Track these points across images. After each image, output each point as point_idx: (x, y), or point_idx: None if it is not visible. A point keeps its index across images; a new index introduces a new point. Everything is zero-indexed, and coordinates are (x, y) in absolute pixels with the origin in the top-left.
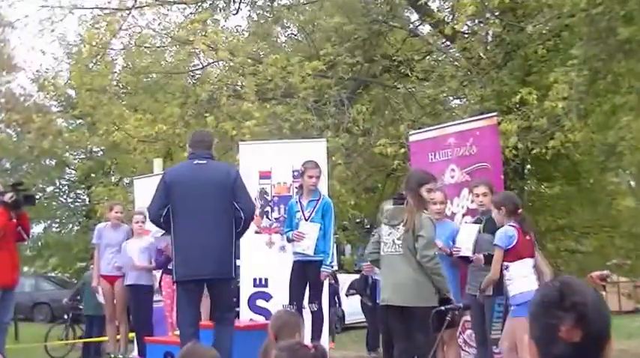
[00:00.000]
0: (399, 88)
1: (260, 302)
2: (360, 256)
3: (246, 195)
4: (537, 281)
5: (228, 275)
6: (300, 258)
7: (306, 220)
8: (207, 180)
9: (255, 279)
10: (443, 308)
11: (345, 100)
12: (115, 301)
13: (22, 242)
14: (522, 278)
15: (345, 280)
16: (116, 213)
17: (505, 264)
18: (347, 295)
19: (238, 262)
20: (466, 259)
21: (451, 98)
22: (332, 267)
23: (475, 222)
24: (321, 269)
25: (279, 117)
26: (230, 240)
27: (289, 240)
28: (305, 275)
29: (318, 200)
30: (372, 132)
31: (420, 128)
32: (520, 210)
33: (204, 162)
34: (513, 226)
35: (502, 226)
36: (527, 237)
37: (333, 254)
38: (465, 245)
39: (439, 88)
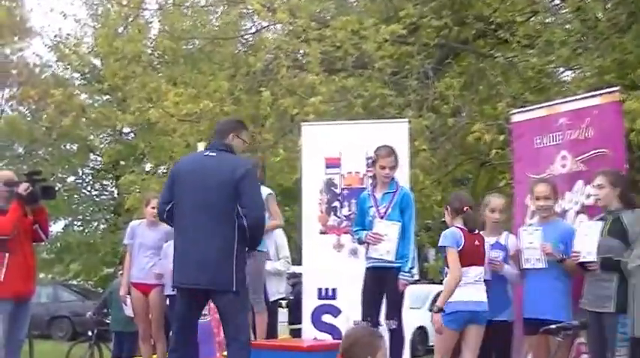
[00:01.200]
0: (496, 57)
1: (326, 318)
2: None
3: (253, 199)
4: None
5: (224, 286)
6: (375, 263)
7: (382, 218)
8: (209, 176)
9: (320, 290)
10: (553, 326)
11: (431, 72)
12: (150, 315)
13: (39, 243)
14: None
15: (429, 291)
16: (153, 208)
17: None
18: (431, 310)
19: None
20: (582, 265)
21: (561, 69)
22: (412, 275)
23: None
24: (400, 277)
25: (349, 92)
26: (229, 248)
27: (361, 242)
28: (381, 284)
29: (394, 192)
30: (464, 112)
31: (523, 106)
32: (466, 209)
33: (214, 154)
34: (459, 228)
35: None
36: (477, 242)
37: (414, 258)
38: (585, 248)
39: (546, 56)
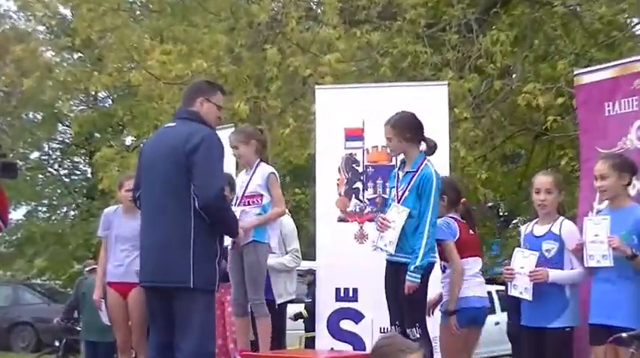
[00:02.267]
0: (555, 6)
1: (346, 324)
2: (493, 259)
3: (205, 173)
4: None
5: (179, 283)
6: (389, 256)
7: (399, 202)
8: (162, 152)
9: (338, 291)
10: (624, 334)
11: (474, 24)
12: (130, 321)
13: None
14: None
15: None
16: (128, 191)
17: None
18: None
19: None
20: None
21: (635, 20)
22: (420, 275)
23: None
24: (406, 277)
25: (374, 49)
26: (184, 236)
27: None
28: (397, 282)
29: (414, 172)
30: (515, 72)
31: (588, 65)
32: (463, 200)
33: (174, 124)
34: (454, 218)
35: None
36: (471, 232)
37: (426, 255)
38: None
39: (616, 5)
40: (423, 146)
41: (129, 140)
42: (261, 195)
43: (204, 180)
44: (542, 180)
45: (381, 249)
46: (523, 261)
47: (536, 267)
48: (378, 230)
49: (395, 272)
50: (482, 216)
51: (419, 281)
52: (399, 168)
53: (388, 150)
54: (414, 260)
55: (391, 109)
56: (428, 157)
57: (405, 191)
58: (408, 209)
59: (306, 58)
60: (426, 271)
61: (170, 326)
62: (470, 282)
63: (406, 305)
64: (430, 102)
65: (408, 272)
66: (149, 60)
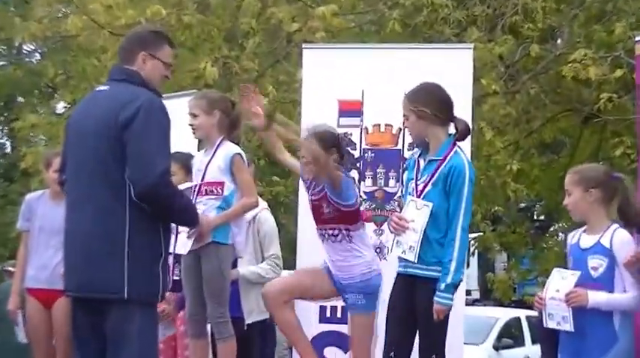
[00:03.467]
0: None
1: (331, 353)
2: (523, 275)
3: (141, 151)
4: None
5: (108, 293)
6: (402, 268)
7: (419, 196)
8: (89, 123)
9: (322, 309)
10: None
11: None
12: (54, 337)
13: None
14: None
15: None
16: (57, 172)
17: None
18: (497, 347)
19: None
20: None
21: None
22: (451, 295)
23: None
24: (435, 298)
25: None
26: (116, 233)
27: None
28: (411, 301)
29: (441, 160)
30: (561, 36)
31: None
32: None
33: (106, 87)
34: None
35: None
36: None
37: (459, 268)
38: None
39: None
40: (451, 128)
41: (61, 107)
42: (222, 183)
43: (139, 160)
44: (566, 178)
45: (398, 257)
46: (560, 284)
47: (576, 287)
48: (392, 232)
49: (410, 288)
50: (512, 219)
51: (452, 303)
52: (420, 154)
53: (406, 131)
54: (445, 276)
55: (399, 78)
56: (458, 143)
57: (427, 183)
58: (430, 204)
59: (293, 9)
60: (455, 290)
61: (100, 348)
62: None
63: (425, 330)
64: (450, 70)
65: (438, 292)
66: (91, 3)
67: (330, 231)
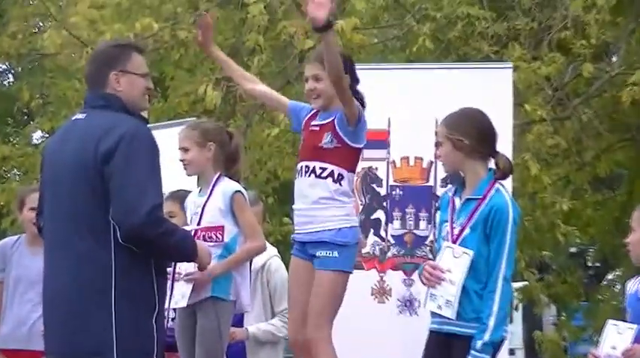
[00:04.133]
0: None
1: None
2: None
3: (126, 188)
4: None
5: (96, 355)
6: (436, 323)
7: (455, 241)
8: (65, 158)
9: None
10: None
11: None
12: None
13: None
14: None
15: None
16: (33, 209)
17: None
18: None
19: None
20: None
21: None
22: (491, 353)
23: None
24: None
25: (407, 10)
26: (101, 285)
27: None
28: None
29: (480, 200)
30: (617, 54)
31: None
32: None
33: (83, 116)
34: None
35: None
36: None
37: (501, 324)
38: None
39: None
40: (491, 163)
41: (38, 136)
42: (222, 227)
43: (124, 197)
44: (634, 214)
45: (432, 312)
46: (616, 339)
47: (633, 344)
48: (425, 283)
49: (445, 349)
50: (562, 267)
51: None
52: (455, 192)
53: (440, 163)
54: (483, 333)
55: (430, 103)
56: (500, 181)
57: (464, 227)
58: (470, 252)
59: (307, 23)
60: (496, 350)
61: None
62: None
63: None
64: (487, 93)
65: (474, 352)
66: (72, 16)
67: (320, 167)
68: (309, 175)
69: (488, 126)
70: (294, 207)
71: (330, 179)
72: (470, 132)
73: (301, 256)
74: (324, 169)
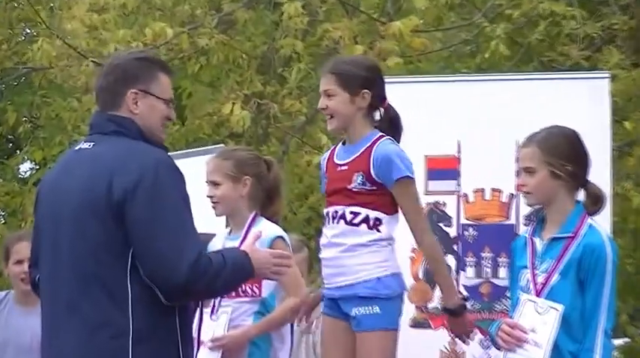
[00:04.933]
0: None
1: None
2: None
3: (159, 241)
4: None
5: None
6: None
7: (538, 293)
8: (67, 199)
9: None
10: None
11: None
12: None
13: None
14: None
15: None
16: (20, 262)
17: None
18: None
19: None
20: None
21: None
22: None
23: None
24: None
25: (474, 4)
26: (110, 354)
27: (497, 346)
28: None
29: (570, 238)
30: None
31: None
32: None
33: (89, 146)
34: None
35: None
36: None
37: None
38: None
39: None
40: (580, 194)
41: (26, 168)
42: (259, 280)
43: (158, 255)
44: None
45: None
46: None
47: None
48: (501, 347)
49: None
50: None
51: None
52: (534, 230)
53: (522, 195)
54: None
55: (508, 121)
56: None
57: (551, 273)
58: (559, 306)
59: (355, 24)
60: None
61: None
62: None
63: None
64: (579, 108)
65: None
66: (68, 21)
67: (351, 212)
68: (338, 222)
69: (585, 149)
70: (321, 256)
71: (364, 226)
72: (570, 156)
73: (334, 315)
74: (356, 214)
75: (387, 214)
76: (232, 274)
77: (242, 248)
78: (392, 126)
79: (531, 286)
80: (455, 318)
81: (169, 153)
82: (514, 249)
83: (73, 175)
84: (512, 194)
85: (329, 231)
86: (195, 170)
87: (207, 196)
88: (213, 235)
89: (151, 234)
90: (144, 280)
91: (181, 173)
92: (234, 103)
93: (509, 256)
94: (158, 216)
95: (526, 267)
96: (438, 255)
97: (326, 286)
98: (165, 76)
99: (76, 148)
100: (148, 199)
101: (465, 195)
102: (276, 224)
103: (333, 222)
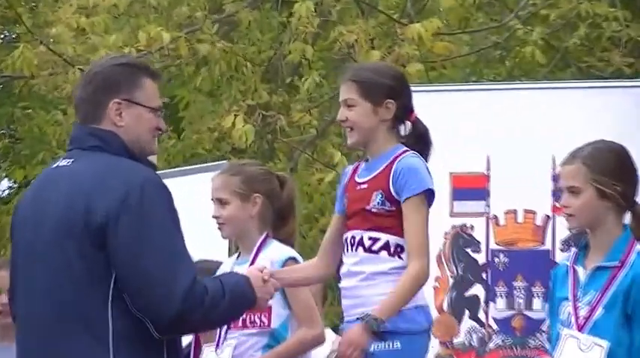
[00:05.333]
0: None
1: None
2: None
3: (147, 271)
4: None
5: None
6: None
7: (580, 328)
8: (42, 222)
9: None
10: None
11: None
12: None
13: None
14: None
15: None
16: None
17: None
18: None
19: None
20: None
21: None
22: None
23: None
24: None
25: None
26: None
27: None
28: None
29: (617, 268)
30: None
31: None
32: None
33: (67, 162)
34: None
35: None
36: None
37: None
38: None
39: None
40: (627, 217)
41: (4, 187)
42: (269, 309)
43: (149, 285)
44: None
45: None
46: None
47: None
48: None
49: None
50: None
51: None
52: (576, 258)
53: (565, 217)
54: None
55: (544, 135)
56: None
57: (595, 306)
58: (605, 343)
59: (371, 27)
60: None
61: None
62: None
63: None
64: (622, 120)
65: None
66: (54, 25)
67: (370, 238)
68: (356, 249)
69: (635, 167)
70: (340, 285)
71: (384, 253)
72: (620, 174)
73: None
74: (375, 240)
75: None
76: (231, 304)
77: (245, 272)
78: (420, 142)
79: (573, 320)
80: (360, 336)
81: (165, 170)
82: (554, 278)
83: (49, 196)
84: (548, 216)
85: (348, 259)
86: (194, 189)
87: (213, 216)
88: (220, 263)
89: (138, 259)
90: (127, 312)
91: (169, 191)
92: (236, 115)
93: (545, 285)
94: (146, 239)
95: (567, 299)
96: (408, 289)
97: (345, 319)
98: (151, 81)
99: (54, 165)
100: (133, 221)
101: (495, 218)
102: (291, 246)
103: (351, 250)
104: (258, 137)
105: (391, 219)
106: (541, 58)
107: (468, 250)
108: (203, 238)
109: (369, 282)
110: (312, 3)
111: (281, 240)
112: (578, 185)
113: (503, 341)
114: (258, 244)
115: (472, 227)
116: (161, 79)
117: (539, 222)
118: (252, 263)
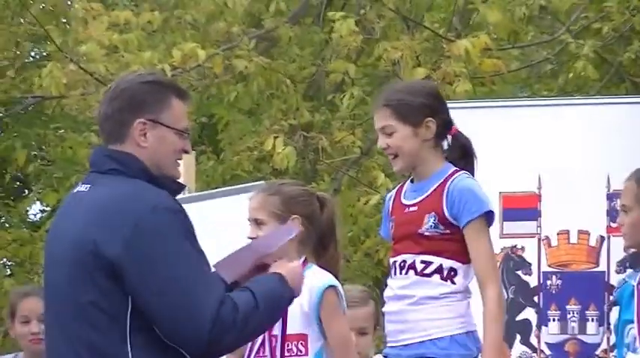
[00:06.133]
0: None
1: None
2: None
3: (168, 302)
4: None
5: None
6: None
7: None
8: (61, 250)
9: None
10: None
11: None
12: None
13: None
14: None
15: None
16: (27, 322)
17: None
18: None
19: None
20: None
21: None
22: None
23: None
24: None
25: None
26: None
27: None
28: None
29: None
30: None
31: None
32: None
33: (85, 188)
34: None
35: None
36: None
37: None
38: None
39: None
40: None
41: (36, 211)
42: (305, 337)
43: (171, 317)
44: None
45: None
46: None
47: None
48: None
49: None
50: None
51: None
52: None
53: (624, 241)
54: None
55: (599, 152)
56: None
57: None
58: None
59: (417, 43)
60: None
61: None
62: None
63: None
64: None
65: None
66: (84, 42)
67: (422, 261)
68: (407, 272)
69: None
70: (384, 310)
71: (436, 276)
72: None
73: None
74: (427, 264)
75: (464, 263)
76: (267, 311)
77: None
78: (464, 154)
79: (638, 344)
80: None
81: (202, 193)
82: (619, 299)
83: (68, 225)
84: (602, 236)
85: (395, 283)
86: (234, 210)
87: (249, 238)
88: None
89: (157, 297)
90: (148, 343)
91: (186, 215)
92: (276, 136)
93: (600, 309)
94: (163, 267)
95: (632, 322)
96: (497, 313)
97: (390, 345)
98: (179, 101)
99: (75, 191)
100: (147, 249)
101: (547, 238)
102: (336, 277)
103: (401, 273)
104: (300, 157)
105: (444, 243)
106: (593, 72)
107: (519, 272)
108: None
109: (417, 307)
110: (354, 20)
111: (321, 266)
112: (627, 203)
113: None
114: None
115: (523, 248)
116: (190, 99)
117: (593, 242)
118: None
